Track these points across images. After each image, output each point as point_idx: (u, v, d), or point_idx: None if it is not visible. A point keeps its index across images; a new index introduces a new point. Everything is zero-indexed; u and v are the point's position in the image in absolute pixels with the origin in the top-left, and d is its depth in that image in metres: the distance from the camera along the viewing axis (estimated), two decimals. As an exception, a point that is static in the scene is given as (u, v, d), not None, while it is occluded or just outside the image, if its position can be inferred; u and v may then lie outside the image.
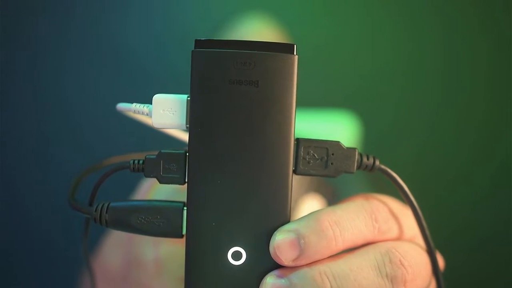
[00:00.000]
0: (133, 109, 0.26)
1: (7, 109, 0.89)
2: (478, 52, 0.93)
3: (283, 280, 0.23)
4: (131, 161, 0.25)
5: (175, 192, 0.29)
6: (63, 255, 0.73)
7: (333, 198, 0.42)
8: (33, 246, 0.86)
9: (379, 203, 0.25)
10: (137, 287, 0.31)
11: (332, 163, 0.25)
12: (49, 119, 0.90)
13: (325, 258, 0.23)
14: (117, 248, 0.34)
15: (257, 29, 0.87)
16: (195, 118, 0.24)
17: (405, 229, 0.26)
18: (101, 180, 0.27)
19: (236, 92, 0.23)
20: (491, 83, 0.92)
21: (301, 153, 0.24)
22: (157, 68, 0.92)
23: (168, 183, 0.25)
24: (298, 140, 0.24)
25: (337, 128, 0.73)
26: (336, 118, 0.75)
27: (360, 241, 0.24)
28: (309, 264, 0.23)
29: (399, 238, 0.26)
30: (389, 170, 0.26)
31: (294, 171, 0.24)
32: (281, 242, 0.23)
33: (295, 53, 0.23)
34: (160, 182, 0.25)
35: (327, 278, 0.23)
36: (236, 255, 0.24)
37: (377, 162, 0.25)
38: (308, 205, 0.39)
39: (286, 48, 0.23)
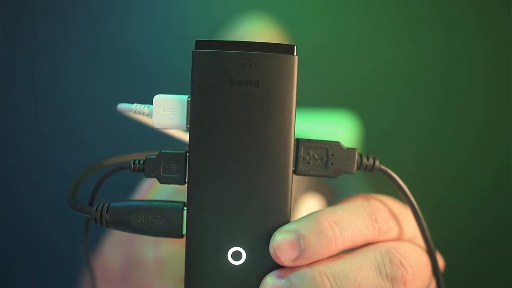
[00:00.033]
0: (134, 110, 0.26)
1: (7, 109, 0.89)
2: (478, 52, 0.93)
3: (283, 281, 0.23)
4: (132, 161, 0.25)
5: (175, 192, 0.29)
6: (63, 255, 0.73)
7: (333, 198, 0.42)
8: (33, 246, 0.86)
9: (379, 204, 0.25)
10: (138, 287, 0.31)
11: (332, 164, 0.25)
12: (49, 119, 0.90)
13: (325, 259, 0.23)
14: (117, 248, 0.34)
15: (257, 29, 0.87)
16: (196, 119, 0.24)
17: (405, 229, 0.26)
18: (102, 180, 0.27)
19: (236, 92, 0.23)
20: (491, 83, 0.92)
21: (301, 153, 0.24)
22: (157, 68, 0.92)
23: (168, 183, 0.25)
24: (298, 141, 0.24)
25: (337, 128, 0.73)
26: (336, 118, 0.75)
27: (360, 242, 0.24)
28: (309, 265, 0.23)
29: (399, 238, 0.26)
30: (389, 171, 0.26)
31: (294, 172, 0.24)
32: (281, 242, 0.23)
33: (295, 54, 0.24)
34: (161, 182, 0.25)
35: (327, 278, 0.23)
36: (236, 255, 0.24)
37: (377, 163, 0.25)
38: (308, 205, 0.39)
39: (286, 49, 0.23)
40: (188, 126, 0.24)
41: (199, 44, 0.24)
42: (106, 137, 0.87)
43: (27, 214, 0.87)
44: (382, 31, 0.95)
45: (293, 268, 0.23)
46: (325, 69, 0.92)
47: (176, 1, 0.96)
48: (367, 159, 0.25)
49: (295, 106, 0.24)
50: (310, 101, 0.62)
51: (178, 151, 0.24)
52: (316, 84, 0.86)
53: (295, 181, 0.25)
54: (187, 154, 0.24)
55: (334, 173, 0.25)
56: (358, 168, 0.25)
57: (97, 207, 0.25)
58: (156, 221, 0.25)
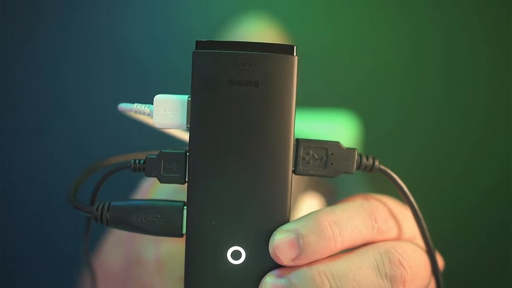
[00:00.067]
0: (135, 109, 0.26)
1: (7, 109, 0.89)
2: (478, 52, 0.93)
3: (282, 280, 0.23)
4: (132, 161, 0.25)
5: (176, 192, 0.30)
6: (63, 255, 0.73)
7: (332, 198, 0.42)
8: (33, 245, 0.86)
9: (379, 203, 0.25)
10: (138, 286, 0.31)
11: (331, 164, 0.25)
12: (49, 119, 0.90)
13: (324, 258, 0.23)
14: (117, 247, 0.34)
15: (257, 29, 0.87)
16: (196, 118, 0.24)
17: (404, 229, 0.26)
18: (102, 180, 0.27)
19: (236, 92, 0.23)
20: (492, 83, 0.92)
21: (301, 153, 0.24)
22: (157, 68, 0.92)
23: (169, 183, 0.25)
24: (297, 141, 0.24)
25: (337, 128, 0.73)
26: (336, 118, 0.75)
27: (359, 241, 0.24)
28: (308, 264, 0.23)
29: (398, 238, 0.26)
30: (389, 171, 0.26)
31: (294, 171, 0.24)
32: (280, 242, 0.23)
33: (295, 54, 0.24)
34: (161, 182, 0.25)
35: (327, 278, 0.23)
36: (236, 255, 0.24)
37: (377, 163, 0.25)
38: (308, 205, 0.39)
39: (286, 49, 0.24)
40: (188, 126, 0.24)
41: (199, 44, 0.24)
42: (107, 137, 0.87)
43: (27, 214, 0.87)
44: (382, 31, 0.95)
45: (292, 268, 0.23)
46: (325, 69, 0.92)
47: (176, 1, 0.96)
48: (367, 159, 0.25)
49: (295, 106, 0.24)
50: (310, 101, 0.63)
51: (178, 151, 0.25)
52: (316, 84, 0.86)
53: (295, 181, 0.25)
54: (187, 153, 0.24)
55: (333, 173, 0.25)
56: (358, 168, 0.25)
57: (98, 206, 0.25)
58: (156, 220, 0.25)
